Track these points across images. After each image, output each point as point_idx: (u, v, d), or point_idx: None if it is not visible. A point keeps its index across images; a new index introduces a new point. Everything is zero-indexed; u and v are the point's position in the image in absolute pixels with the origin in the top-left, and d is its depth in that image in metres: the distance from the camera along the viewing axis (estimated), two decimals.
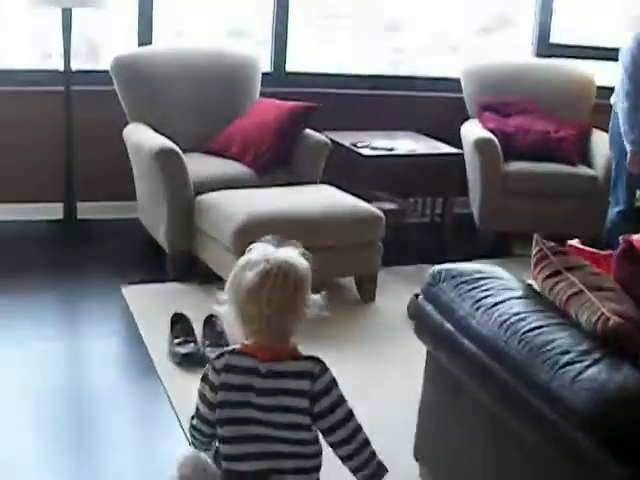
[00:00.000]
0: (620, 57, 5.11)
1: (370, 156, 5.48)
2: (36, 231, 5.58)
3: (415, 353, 3.17)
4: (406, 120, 6.23)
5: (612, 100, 5.33)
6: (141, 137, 5.12)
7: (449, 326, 2.78)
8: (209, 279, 4.71)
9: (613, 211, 5.44)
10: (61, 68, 5.38)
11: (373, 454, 2.31)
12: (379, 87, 6.37)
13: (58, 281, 4.90)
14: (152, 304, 4.68)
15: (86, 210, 5.66)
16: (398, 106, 6.30)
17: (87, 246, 5.45)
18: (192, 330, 4.24)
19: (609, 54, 6.65)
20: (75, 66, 5.39)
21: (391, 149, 5.57)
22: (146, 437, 3.62)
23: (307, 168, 5.31)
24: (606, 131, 5.54)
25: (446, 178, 5.83)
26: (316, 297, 2.26)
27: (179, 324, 4.26)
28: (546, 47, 6.77)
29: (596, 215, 5.58)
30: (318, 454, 2.29)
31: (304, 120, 5.37)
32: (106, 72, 5.35)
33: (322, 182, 5.22)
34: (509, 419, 2.52)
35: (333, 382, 2.24)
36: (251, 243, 2.29)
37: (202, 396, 2.28)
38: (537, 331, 2.50)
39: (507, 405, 2.51)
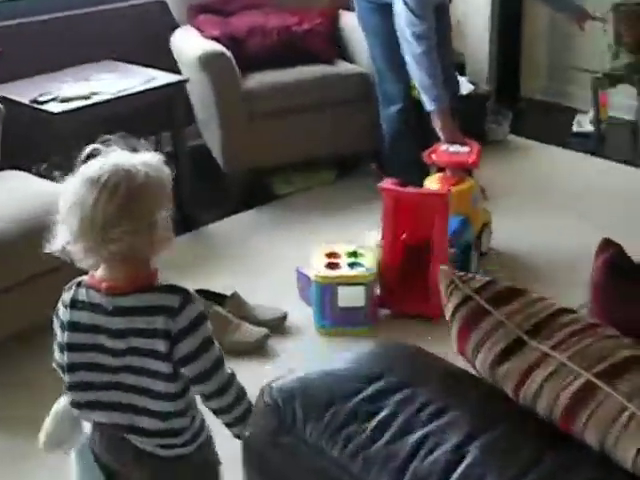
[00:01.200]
0: None
1: (63, 112, 3.83)
2: None
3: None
4: (97, 47, 4.53)
5: None
6: None
7: None
8: None
9: (390, 111, 4.25)
10: None
11: (248, 409, 1.93)
12: (47, 10, 4.60)
13: None
14: None
15: None
16: (79, 30, 4.58)
17: None
18: None
19: None
20: None
21: (89, 96, 3.93)
22: None
23: None
24: None
25: (169, 113, 4.26)
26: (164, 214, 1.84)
27: None
28: None
29: (376, 121, 4.27)
30: (183, 413, 1.91)
31: None
32: None
33: (3, 167, 3.56)
34: None
35: (199, 319, 1.85)
36: None
37: (55, 336, 1.97)
38: None
39: None
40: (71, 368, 1.92)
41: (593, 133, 5.18)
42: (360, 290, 3.25)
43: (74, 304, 1.90)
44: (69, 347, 1.91)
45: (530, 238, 4.01)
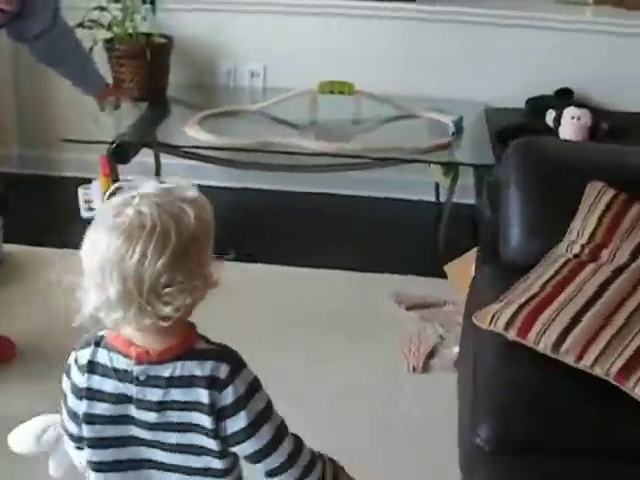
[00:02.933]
0: None
1: None
2: None
3: None
4: None
5: None
6: None
7: None
8: None
9: None
10: None
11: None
12: None
13: None
14: None
15: None
16: None
17: None
18: None
19: None
20: None
21: None
22: None
23: None
24: None
25: None
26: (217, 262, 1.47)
27: None
28: None
29: None
30: None
31: None
32: None
33: None
34: None
35: (250, 391, 1.49)
36: None
37: (65, 398, 1.56)
38: None
39: None
40: (90, 444, 1.54)
41: None
42: None
43: (93, 368, 1.50)
44: (88, 419, 1.52)
45: None
